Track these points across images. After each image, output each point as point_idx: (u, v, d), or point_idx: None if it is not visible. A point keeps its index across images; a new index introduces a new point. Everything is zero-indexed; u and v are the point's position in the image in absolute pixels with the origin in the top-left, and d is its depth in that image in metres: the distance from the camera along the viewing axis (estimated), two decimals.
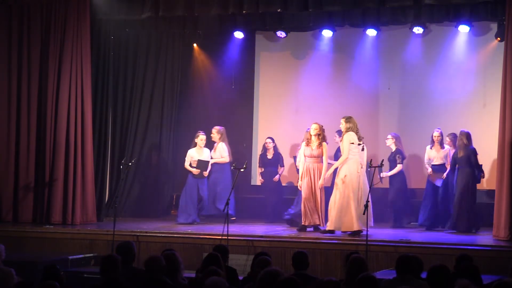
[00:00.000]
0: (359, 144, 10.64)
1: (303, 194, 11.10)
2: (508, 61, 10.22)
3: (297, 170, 12.29)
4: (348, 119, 10.75)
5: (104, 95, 12.86)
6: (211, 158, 12.38)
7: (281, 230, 11.29)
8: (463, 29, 12.56)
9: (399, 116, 13.44)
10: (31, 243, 11.10)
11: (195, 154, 12.17)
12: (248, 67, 14.33)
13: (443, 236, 10.78)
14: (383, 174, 11.69)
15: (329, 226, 10.63)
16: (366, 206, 9.27)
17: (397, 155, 11.94)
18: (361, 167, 10.60)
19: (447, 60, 13.10)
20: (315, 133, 11.13)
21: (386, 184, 12.10)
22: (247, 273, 7.11)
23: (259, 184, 13.22)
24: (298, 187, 11.24)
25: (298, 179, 11.29)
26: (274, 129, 13.74)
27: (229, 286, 5.59)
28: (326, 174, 11.01)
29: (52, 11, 12.14)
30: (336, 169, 10.88)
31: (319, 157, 11.11)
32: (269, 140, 12.85)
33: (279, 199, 12.90)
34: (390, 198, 12.02)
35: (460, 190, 11.18)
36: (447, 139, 12.08)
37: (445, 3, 11.26)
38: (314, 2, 11.15)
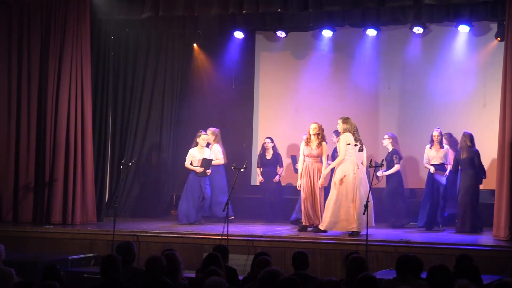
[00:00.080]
0: (355, 145, 10.64)
1: (303, 194, 11.10)
2: (508, 61, 10.22)
3: (294, 170, 12.32)
4: (346, 120, 10.76)
5: (104, 95, 12.86)
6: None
7: (281, 230, 11.28)
8: (463, 29, 12.56)
9: (399, 116, 13.44)
10: (31, 243, 11.09)
11: (197, 153, 12.15)
12: (248, 67, 14.33)
13: (443, 236, 10.78)
14: (380, 173, 11.68)
15: (321, 226, 10.62)
16: (366, 206, 9.27)
17: (395, 156, 11.95)
18: (358, 168, 10.60)
19: (447, 60, 13.10)
20: (314, 133, 11.13)
21: (383, 184, 12.09)
22: (247, 273, 7.11)
23: (259, 184, 13.21)
24: (297, 187, 11.24)
25: (298, 179, 11.28)
26: (274, 129, 13.74)
27: (229, 286, 5.59)
28: (323, 174, 11.01)
29: (52, 11, 12.14)
30: (332, 170, 10.90)
31: (319, 157, 11.11)
32: (268, 140, 12.84)
33: (279, 199, 12.90)
34: (385, 198, 12.02)
35: (464, 192, 11.21)
36: (443, 139, 12.11)
37: (445, 3, 11.26)
38: (314, 2, 11.15)
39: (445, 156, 11.59)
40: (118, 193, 12.77)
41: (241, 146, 14.09)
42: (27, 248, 10.94)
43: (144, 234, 10.79)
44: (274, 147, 12.84)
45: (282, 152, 13.35)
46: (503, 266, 8.42)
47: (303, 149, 11.21)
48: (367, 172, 11.07)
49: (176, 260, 6.38)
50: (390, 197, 11.99)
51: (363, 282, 5.37)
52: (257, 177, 13.17)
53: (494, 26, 12.59)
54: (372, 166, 10.13)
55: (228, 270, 7.02)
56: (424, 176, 12.04)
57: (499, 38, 12.29)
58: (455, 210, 11.59)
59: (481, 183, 11.42)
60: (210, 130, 12.55)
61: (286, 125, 13.84)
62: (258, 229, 11.42)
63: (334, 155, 11.70)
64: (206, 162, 12.08)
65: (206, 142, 12.21)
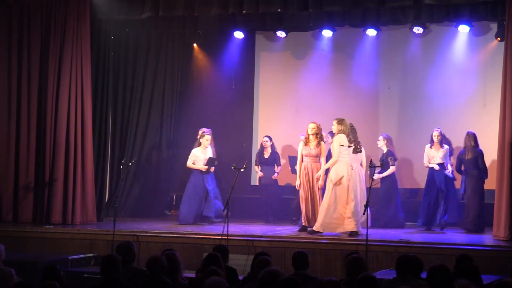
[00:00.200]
0: (349, 146, 10.64)
1: (302, 194, 11.10)
2: (508, 61, 10.22)
3: (292, 171, 12.31)
4: (341, 121, 10.75)
5: (104, 95, 12.86)
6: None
7: (281, 230, 11.28)
8: (463, 29, 12.56)
9: (399, 116, 13.44)
10: (31, 243, 11.09)
11: (200, 154, 12.12)
12: (248, 67, 14.33)
13: (443, 236, 10.79)
14: (376, 176, 11.68)
15: (315, 227, 10.62)
16: (366, 206, 9.27)
17: (390, 157, 11.95)
18: (352, 169, 10.60)
19: (447, 60, 13.11)
20: (313, 133, 11.13)
21: (378, 184, 12.10)
22: (247, 273, 7.11)
23: (258, 184, 13.20)
24: (296, 187, 11.24)
25: (296, 178, 11.28)
26: (274, 129, 13.74)
27: (229, 286, 5.59)
28: (316, 174, 10.97)
29: (52, 11, 12.14)
30: (326, 171, 10.90)
31: (318, 157, 11.11)
32: (266, 139, 12.85)
33: (277, 199, 12.88)
34: (380, 198, 12.01)
35: (471, 194, 11.26)
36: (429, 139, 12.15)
37: (445, 3, 11.26)
38: (314, 2, 11.15)
39: (445, 156, 11.59)
40: (118, 193, 12.77)
41: (241, 146, 14.09)
42: (27, 248, 10.94)
43: (144, 234, 10.79)
44: (272, 146, 12.84)
45: (282, 152, 13.36)
46: (503, 266, 8.42)
47: (301, 149, 11.21)
48: (370, 173, 11.08)
49: (176, 260, 6.38)
50: (385, 198, 11.99)
51: (363, 282, 5.37)
52: (257, 177, 13.16)
53: (494, 26, 12.59)
54: (372, 166, 10.14)
55: (228, 270, 7.02)
56: (424, 176, 12.03)
57: (499, 38, 12.29)
58: (456, 212, 11.61)
59: (484, 183, 11.45)
60: (203, 130, 12.55)
61: (286, 125, 13.84)
62: (258, 229, 11.42)
63: (329, 157, 11.69)
64: (211, 161, 12.07)
65: (209, 142, 12.18)
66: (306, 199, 11.07)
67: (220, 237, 9.86)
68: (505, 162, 10.09)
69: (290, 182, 12.94)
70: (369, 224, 10.54)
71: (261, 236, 10.45)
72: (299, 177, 11.13)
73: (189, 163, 12.19)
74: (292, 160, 12.33)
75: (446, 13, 11.66)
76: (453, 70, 13.07)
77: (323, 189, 11.04)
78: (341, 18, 12.32)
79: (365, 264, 6.08)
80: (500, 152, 10.26)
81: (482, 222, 11.21)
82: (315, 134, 11.13)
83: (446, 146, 11.66)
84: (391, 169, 11.96)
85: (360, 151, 10.99)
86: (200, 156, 12.10)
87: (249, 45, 14.19)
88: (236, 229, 11.04)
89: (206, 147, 12.15)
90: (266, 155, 12.81)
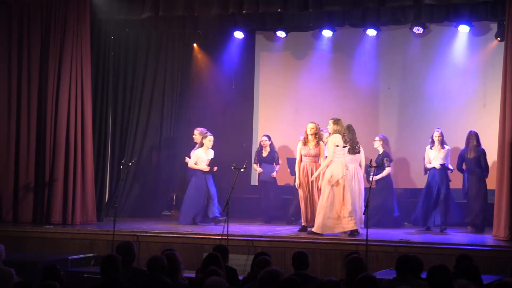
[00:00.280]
0: (344, 147, 10.64)
1: (302, 194, 11.10)
2: (508, 61, 10.22)
3: (291, 173, 12.32)
4: (337, 121, 10.73)
5: (104, 95, 12.86)
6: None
7: (281, 230, 11.28)
8: (463, 29, 12.56)
9: (399, 116, 13.44)
10: (31, 243, 11.09)
11: (203, 154, 12.10)
12: (248, 67, 14.33)
13: (443, 236, 10.79)
14: (371, 178, 11.67)
15: (314, 228, 10.60)
16: (366, 206, 9.27)
17: (385, 158, 11.93)
18: (347, 169, 10.60)
19: (447, 60, 13.11)
20: (312, 133, 11.14)
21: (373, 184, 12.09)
22: (247, 273, 7.11)
23: (258, 184, 13.20)
24: (296, 186, 11.23)
25: (296, 178, 11.28)
26: (274, 129, 13.74)
27: (229, 286, 5.59)
28: (312, 177, 10.94)
29: (52, 11, 12.14)
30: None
31: (317, 157, 11.11)
32: (265, 138, 12.85)
33: (275, 197, 12.85)
34: (374, 199, 11.97)
35: (473, 192, 11.28)
36: (429, 140, 12.14)
37: (445, 3, 11.26)
38: (314, 2, 11.15)
39: (446, 156, 11.56)
40: (118, 193, 12.77)
41: (241, 146, 14.09)
42: (27, 248, 10.94)
43: (144, 234, 10.79)
44: (271, 145, 12.84)
45: (282, 151, 13.35)
46: (503, 266, 8.42)
47: (300, 149, 11.21)
48: (367, 173, 11.06)
49: (176, 260, 6.38)
50: (380, 198, 11.97)
51: (363, 282, 5.37)
52: (256, 176, 13.16)
53: (494, 26, 12.59)
54: (372, 166, 10.14)
55: (228, 270, 7.02)
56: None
57: (499, 38, 12.29)
58: (456, 213, 11.62)
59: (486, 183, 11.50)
60: (198, 129, 12.55)
61: (286, 125, 13.84)
62: (258, 229, 11.42)
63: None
64: (213, 163, 12.06)
65: (212, 143, 12.17)
66: (306, 199, 11.07)
67: (220, 237, 9.86)
68: (505, 162, 10.09)
69: (289, 182, 12.95)
70: (363, 225, 10.59)
71: (261, 236, 10.45)
72: (299, 177, 11.13)
73: (191, 163, 12.17)
74: (291, 163, 12.32)
75: (446, 13, 11.66)
76: (453, 70, 13.07)
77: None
78: (341, 18, 12.32)
79: (364, 264, 6.09)
80: (500, 152, 10.26)
81: (485, 221, 11.21)
82: (314, 134, 11.13)
83: (447, 147, 11.65)
84: (387, 170, 11.93)
85: (359, 152, 11.00)
86: (202, 157, 12.09)
87: (249, 45, 14.19)
88: (236, 229, 11.04)
89: (208, 148, 12.13)
90: (265, 154, 12.81)
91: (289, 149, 13.49)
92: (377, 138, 12.23)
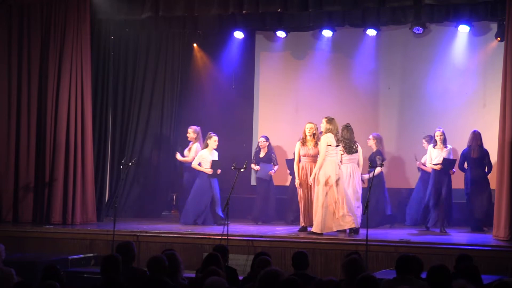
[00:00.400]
0: (336, 146, 10.64)
1: (301, 194, 11.09)
2: (508, 61, 10.22)
3: (290, 174, 12.32)
4: (330, 120, 10.72)
5: (104, 95, 12.85)
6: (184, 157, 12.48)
7: (281, 230, 11.29)
8: (463, 29, 12.56)
9: (398, 116, 13.44)
10: (31, 243, 11.09)
11: (208, 155, 12.08)
12: (248, 67, 14.34)
13: (443, 236, 10.78)
14: (365, 176, 11.67)
15: (314, 229, 10.60)
16: (366, 206, 9.26)
17: (377, 156, 11.90)
18: (339, 168, 10.60)
19: (447, 60, 13.11)
20: (310, 133, 11.14)
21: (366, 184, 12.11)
22: (247, 273, 7.11)
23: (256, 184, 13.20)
24: (296, 186, 11.23)
25: (296, 178, 11.27)
26: (274, 129, 13.75)
27: (229, 286, 5.59)
28: (310, 179, 10.92)
29: (52, 11, 12.14)
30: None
31: (315, 157, 11.09)
32: (262, 139, 12.84)
33: (272, 196, 12.81)
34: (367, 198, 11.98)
35: (477, 192, 11.31)
36: (423, 141, 12.15)
37: (445, 3, 11.26)
38: (314, 2, 11.14)
39: (449, 155, 11.49)
40: (118, 193, 12.74)
41: (241, 146, 14.08)
42: (27, 248, 10.94)
43: (144, 234, 10.79)
44: (269, 146, 12.81)
45: (282, 151, 13.35)
46: (503, 266, 8.44)
47: (298, 149, 11.20)
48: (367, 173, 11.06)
49: (176, 260, 6.38)
50: (372, 197, 11.92)
51: (363, 282, 5.37)
52: (254, 174, 13.18)
53: (494, 26, 12.60)
54: (372, 166, 10.13)
55: (228, 270, 7.02)
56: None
57: (499, 38, 12.29)
58: (457, 212, 11.63)
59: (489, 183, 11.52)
60: (192, 128, 12.55)
61: (286, 125, 13.84)
62: (258, 229, 11.42)
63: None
64: (216, 164, 12.05)
65: (217, 143, 12.16)
66: (305, 199, 11.06)
67: (220, 237, 9.86)
68: (505, 162, 10.09)
69: (287, 183, 12.95)
70: (358, 225, 10.61)
71: (261, 236, 10.45)
72: (299, 176, 11.12)
73: (195, 164, 12.16)
74: (290, 163, 12.32)
75: (446, 13, 11.66)
76: (453, 70, 13.07)
77: None
78: (341, 18, 12.31)
79: (363, 264, 6.08)
80: (500, 152, 10.26)
81: (487, 221, 11.21)
82: (313, 134, 11.12)
83: (449, 146, 11.59)
84: (379, 169, 11.84)
85: (356, 152, 11.00)
86: (207, 157, 12.06)
87: (249, 45, 14.19)
88: (236, 229, 11.05)
89: (213, 148, 12.12)
90: (262, 154, 12.79)
91: (288, 149, 13.48)
92: (370, 137, 12.23)
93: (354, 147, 10.95)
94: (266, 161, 12.73)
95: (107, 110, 13.04)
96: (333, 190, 10.46)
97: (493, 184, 10.98)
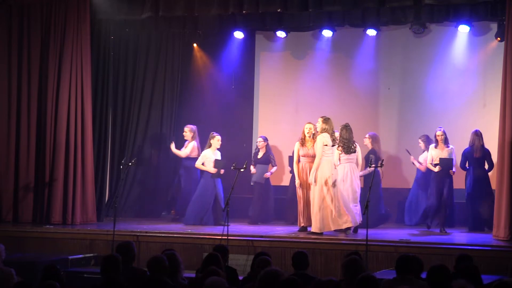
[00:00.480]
0: (332, 146, 10.64)
1: (301, 195, 11.09)
2: (508, 61, 10.22)
3: (290, 170, 12.31)
4: (326, 120, 10.73)
5: (104, 95, 12.85)
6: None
7: (281, 230, 11.29)
8: (463, 29, 12.56)
9: (398, 116, 13.44)
10: (31, 243, 11.09)
11: (211, 155, 12.08)
12: (248, 67, 14.33)
13: (443, 236, 10.78)
14: (361, 173, 11.65)
15: (313, 229, 10.61)
16: (366, 207, 9.26)
17: (371, 155, 11.87)
18: (335, 168, 10.60)
19: (447, 60, 13.11)
20: (310, 133, 11.13)
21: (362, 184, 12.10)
22: (247, 273, 7.12)
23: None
24: (297, 186, 11.22)
25: (296, 178, 11.27)
26: (274, 129, 13.75)
27: (229, 286, 5.59)
28: (309, 179, 10.91)
29: (52, 11, 12.14)
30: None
31: (315, 157, 11.08)
32: (260, 139, 12.83)
33: (268, 198, 12.77)
34: (361, 197, 11.98)
35: (482, 191, 11.32)
36: (419, 141, 12.15)
37: (445, 3, 11.25)
38: (314, 2, 11.14)
39: (451, 155, 11.45)
40: (118, 193, 12.74)
41: (241, 146, 14.08)
42: (27, 248, 10.94)
43: (144, 234, 10.79)
44: (267, 146, 12.79)
45: (282, 151, 13.34)
46: (503, 266, 8.44)
47: (298, 150, 11.20)
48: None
49: (176, 260, 6.38)
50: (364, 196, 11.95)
51: (363, 282, 5.37)
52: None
53: (494, 26, 12.60)
54: (372, 166, 10.12)
55: (228, 270, 7.02)
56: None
57: (499, 38, 12.29)
58: (458, 212, 11.64)
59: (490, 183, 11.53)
60: (188, 127, 12.59)
61: (286, 125, 13.84)
62: (258, 229, 11.41)
63: None
64: (219, 163, 12.05)
65: (220, 142, 12.17)
66: (304, 199, 11.06)
67: (220, 237, 9.86)
68: (505, 162, 10.09)
69: (285, 183, 12.95)
70: (358, 223, 10.61)
71: (261, 236, 10.45)
72: (299, 177, 11.12)
73: (198, 164, 12.16)
74: (292, 161, 12.31)
75: (446, 13, 11.66)
76: (453, 70, 13.07)
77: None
78: (341, 18, 12.31)
79: (363, 264, 6.08)
80: (500, 152, 10.26)
81: (491, 221, 11.21)
82: (312, 134, 11.12)
83: (451, 146, 11.55)
84: (369, 169, 11.74)
85: (354, 151, 11.00)
86: (210, 157, 12.06)
87: (249, 45, 14.19)
88: (236, 229, 11.05)
89: (217, 148, 12.12)
90: (260, 155, 12.78)
91: (289, 148, 13.46)
92: (366, 136, 12.21)
93: (352, 147, 10.96)
94: (264, 162, 12.70)
95: (107, 110, 13.04)
96: (330, 190, 10.47)
97: (493, 184, 10.98)
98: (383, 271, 8.44)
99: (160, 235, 10.78)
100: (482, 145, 11.39)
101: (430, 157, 11.58)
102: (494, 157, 11.02)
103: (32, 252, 10.67)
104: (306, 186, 11.04)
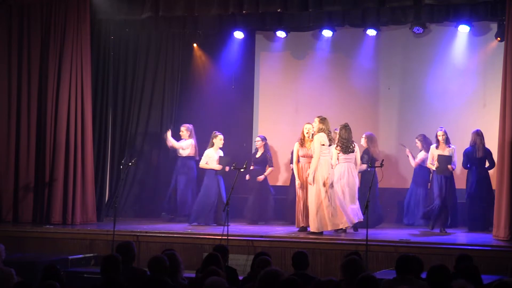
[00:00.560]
0: (330, 145, 10.65)
1: (300, 195, 11.09)
2: (508, 61, 10.22)
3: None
4: (323, 120, 10.73)
5: (104, 95, 12.85)
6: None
7: (281, 230, 11.29)
8: (463, 29, 12.56)
9: (399, 116, 13.45)
10: (31, 243, 11.09)
11: (214, 154, 12.08)
12: (248, 67, 14.33)
13: (443, 236, 10.78)
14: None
15: (311, 228, 10.62)
16: (366, 207, 9.25)
17: (364, 155, 11.85)
18: (332, 168, 10.60)
19: (447, 60, 13.11)
20: (309, 134, 11.13)
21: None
22: (247, 273, 7.12)
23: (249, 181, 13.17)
24: (297, 186, 11.22)
25: (296, 179, 11.27)
26: (274, 129, 13.75)
27: (229, 286, 5.59)
28: (309, 179, 10.90)
29: (52, 11, 12.14)
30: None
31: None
32: (258, 139, 12.83)
33: (264, 200, 12.75)
34: (359, 197, 11.96)
35: (480, 192, 11.34)
36: (416, 141, 12.14)
37: (445, 3, 11.26)
38: (314, 2, 11.14)
39: (452, 155, 11.42)
40: (118, 193, 12.74)
41: (241, 146, 14.08)
42: (27, 248, 10.94)
43: (144, 234, 10.79)
44: (265, 146, 12.77)
45: (282, 151, 13.33)
46: (503, 266, 8.43)
47: (297, 150, 11.20)
48: (366, 172, 11.01)
49: (176, 260, 6.38)
50: (363, 196, 11.94)
51: (363, 282, 5.37)
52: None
53: (494, 26, 12.60)
54: (372, 166, 10.11)
55: (228, 270, 7.02)
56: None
57: (499, 38, 12.29)
58: (458, 212, 11.64)
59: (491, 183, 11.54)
60: (184, 126, 12.62)
61: (286, 125, 13.83)
62: (258, 229, 11.42)
63: None
64: (224, 160, 12.05)
65: (223, 142, 12.17)
66: (304, 199, 11.06)
67: (220, 237, 9.86)
68: (505, 162, 10.09)
69: (286, 183, 12.95)
70: (356, 220, 10.62)
71: (261, 236, 10.45)
72: (299, 177, 11.11)
73: (202, 164, 12.16)
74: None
75: (446, 13, 11.66)
76: (453, 70, 13.07)
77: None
78: (341, 18, 12.31)
79: (362, 264, 6.08)
80: (500, 152, 10.26)
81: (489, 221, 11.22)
82: (311, 135, 11.12)
83: (453, 145, 11.53)
84: (363, 166, 11.60)
85: (353, 151, 11.01)
86: (213, 156, 12.06)
87: (249, 45, 14.19)
88: (236, 229, 11.05)
89: (219, 147, 12.12)
90: (258, 154, 12.78)
91: (288, 148, 13.47)
92: (363, 135, 12.20)
93: (351, 146, 10.96)
94: (261, 162, 12.69)
95: (107, 110, 13.04)
96: (327, 189, 10.48)
97: (493, 184, 10.98)
98: (383, 271, 8.44)
99: (160, 235, 10.78)
100: (484, 145, 11.40)
101: (430, 157, 11.55)
102: (494, 157, 11.03)
103: (32, 252, 10.68)
104: (305, 186, 11.05)
